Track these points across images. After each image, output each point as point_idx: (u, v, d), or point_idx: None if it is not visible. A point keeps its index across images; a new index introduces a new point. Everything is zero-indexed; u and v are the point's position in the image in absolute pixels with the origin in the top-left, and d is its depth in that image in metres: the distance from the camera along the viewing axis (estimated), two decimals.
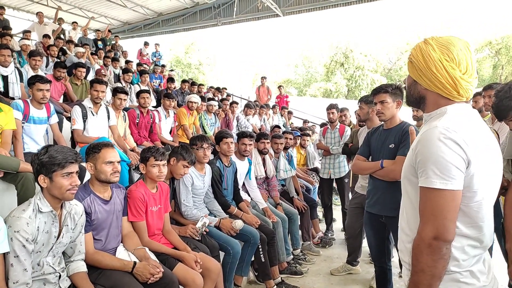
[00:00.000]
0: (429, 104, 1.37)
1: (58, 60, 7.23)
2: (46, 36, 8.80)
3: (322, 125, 7.79)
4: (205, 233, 3.09)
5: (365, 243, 3.88)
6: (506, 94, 2.00)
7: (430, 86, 1.32)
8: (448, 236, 1.20)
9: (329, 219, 5.24)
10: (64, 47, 8.78)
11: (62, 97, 5.71)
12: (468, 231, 1.25)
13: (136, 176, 3.85)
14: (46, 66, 7.06)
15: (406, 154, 2.55)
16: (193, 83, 9.24)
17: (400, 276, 3.53)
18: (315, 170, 6.08)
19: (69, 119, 4.44)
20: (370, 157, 2.94)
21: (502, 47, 30.32)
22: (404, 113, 3.99)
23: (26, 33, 8.69)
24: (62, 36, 10.29)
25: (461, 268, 1.26)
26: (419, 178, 1.25)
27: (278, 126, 6.50)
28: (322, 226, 5.36)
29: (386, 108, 2.74)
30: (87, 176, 2.84)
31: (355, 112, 4.97)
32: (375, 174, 2.80)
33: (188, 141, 4.70)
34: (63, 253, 2.08)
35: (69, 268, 2.08)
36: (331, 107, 5.11)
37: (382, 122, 2.89)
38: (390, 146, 2.72)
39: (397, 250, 2.86)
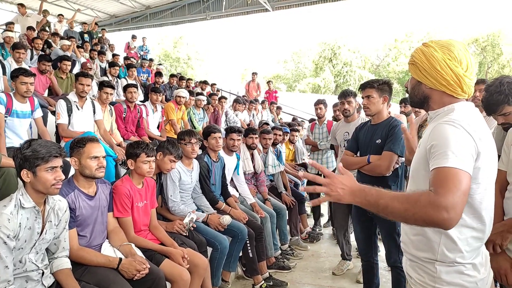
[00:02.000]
0: (433, 103, 1.42)
1: (43, 53, 7.08)
2: (30, 28, 8.60)
3: (310, 120, 7.81)
4: (192, 228, 3.07)
5: (352, 237, 3.91)
6: (496, 88, 2.01)
7: (436, 85, 1.37)
8: (458, 216, 1.14)
9: (317, 214, 5.27)
10: (49, 40, 8.59)
11: (46, 90, 5.60)
12: (471, 221, 1.30)
13: (123, 171, 3.80)
14: (31, 59, 6.90)
15: (392, 149, 2.63)
16: (181, 78, 9.16)
17: (387, 270, 3.57)
18: (304, 165, 6.09)
19: (53, 113, 4.35)
20: (359, 152, 2.95)
21: (488, 45, 30.81)
22: (392, 109, 4.02)
23: (9, 25, 8.46)
24: (47, 28, 10.06)
25: (465, 260, 1.30)
26: (435, 160, 1.23)
27: (266, 123, 6.49)
28: (310, 221, 5.39)
29: (372, 103, 2.76)
30: (72, 172, 2.79)
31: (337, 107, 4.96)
32: (362, 169, 2.82)
33: (176, 136, 4.67)
34: (47, 249, 2.04)
35: (52, 265, 2.04)
36: (318, 102, 5.12)
37: (368, 118, 2.91)
38: (377, 141, 2.74)
39: (384, 244, 2.90)
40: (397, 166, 2.74)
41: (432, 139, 1.29)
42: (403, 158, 2.72)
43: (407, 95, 1.67)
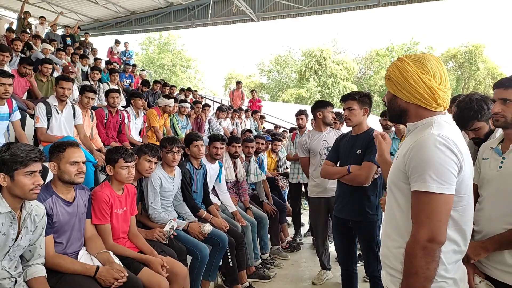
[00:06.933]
0: (411, 116, 1.44)
1: (24, 56, 6.94)
2: (9, 30, 8.43)
3: (291, 130, 7.87)
4: (172, 236, 3.04)
5: (332, 247, 3.94)
6: (466, 105, 2.11)
7: (410, 99, 1.39)
8: (442, 238, 1.25)
9: (297, 224, 5.29)
10: (30, 42, 8.43)
11: (26, 93, 5.47)
12: (454, 235, 1.32)
13: (102, 177, 3.74)
14: (10, 61, 6.73)
15: (372, 159, 2.68)
16: (165, 84, 9.12)
17: (365, 281, 3.61)
18: (286, 174, 6.13)
19: (32, 116, 4.26)
20: (339, 162, 3.00)
21: (465, 61, 31.90)
22: (373, 121, 4.10)
23: None
24: (28, 30, 9.86)
25: (448, 273, 1.31)
26: (414, 182, 1.29)
27: (249, 130, 6.51)
28: (291, 231, 5.41)
29: (353, 115, 2.83)
30: (50, 176, 2.73)
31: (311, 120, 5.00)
32: (342, 179, 2.87)
33: (158, 143, 4.63)
34: (21, 256, 1.98)
35: (26, 273, 1.98)
36: (300, 113, 5.20)
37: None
38: (357, 152, 2.80)
39: (362, 254, 2.94)
40: (376, 176, 2.80)
41: (412, 156, 1.30)
42: None
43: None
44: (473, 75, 31.81)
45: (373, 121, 4.08)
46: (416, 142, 1.32)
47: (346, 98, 2.89)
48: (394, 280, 1.40)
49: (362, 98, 2.84)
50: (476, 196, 1.85)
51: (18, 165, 1.79)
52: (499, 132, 2.05)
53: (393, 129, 4.85)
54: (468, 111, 2.08)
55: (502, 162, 1.76)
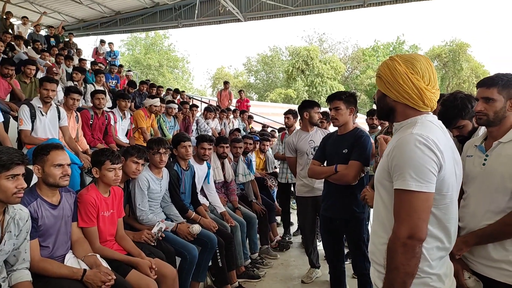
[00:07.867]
0: (398, 115, 1.47)
1: (5, 57, 6.79)
2: None
3: (280, 129, 7.90)
4: (161, 238, 3.02)
5: (320, 246, 3.97)
6: (451, 103, 2.15)
7: (398, 98, 1.42)
8: (421, 235, 1.28)
9: (286, 223, 5.32)
10: (12, 43, 8.26)
11: (8, 95, 5.36)
12: (436, 231, 1.35)
13: (88, 179, 3.69)
14: None
15: (358, 158, 2.71)
16: (152, 85, 9.04)
17: (354, 277, 3.64)
18: (274, 174, 6.15)
19: (16, 118, 4.18)
20: (326, 162, 3.02)
21: (449, 60, 32.45)
22: (359, 120, 4.14)
23: None
24: (10, 31, 9.66)
25: (432, 269, 1.34)
26: (395, 181, 1.33)
27: (238, 130, 6.49)
28: (280, 230, 5.42)
29: (340, 115, 2.85)
30: (34, 180, 2.69)
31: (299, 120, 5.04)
32: (329, 179, 2.89)
33: (145, 144, 4.59)
34: (5, 261, 1.94)
35: (11, 278, 1.94)
36: (287, 112, 5.22)
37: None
38: (344, 151, 2.82)
39: (350, 252, 2.96)
40: (363, 175, 2.83)
41: (394, 155, 1.34)
42: (368, 168, 2.82)
43: (374, 107, 1.76)
44: (457, 74, 32.38)
45: (359, 120, 4.13)
46: (398, 142, 1.36)
47: (332, 98, 2.92)
48: (381, 276, 1.42)
49: (348, 98, 2.87)
50: (461, 193, 1.89)
51: (0, 169, 1.76)
52: (482, 130, 2.10)
53: (379, 128, 4.91)
54: (452, 109, 2.12)
55: (485, 160, 1.80)
